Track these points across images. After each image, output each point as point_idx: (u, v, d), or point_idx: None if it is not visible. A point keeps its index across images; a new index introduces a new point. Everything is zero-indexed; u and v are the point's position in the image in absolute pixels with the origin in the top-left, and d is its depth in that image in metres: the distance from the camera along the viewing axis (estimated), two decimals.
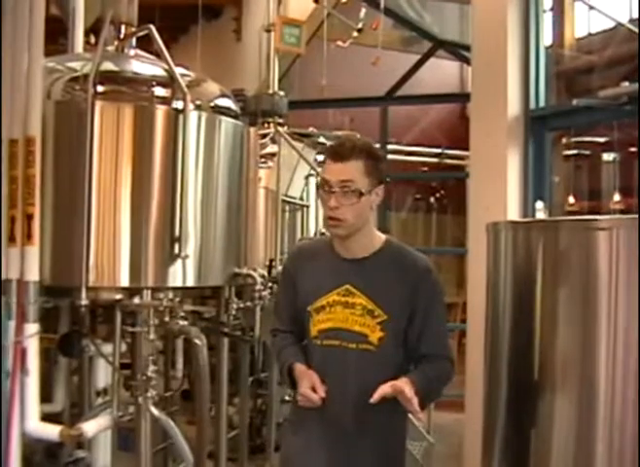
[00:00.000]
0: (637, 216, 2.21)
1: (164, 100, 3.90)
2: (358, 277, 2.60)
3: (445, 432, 6.47)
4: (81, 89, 3.73)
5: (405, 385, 2.42)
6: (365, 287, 2.59)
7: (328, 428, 2.59)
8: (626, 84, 4.43)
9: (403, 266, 2.61)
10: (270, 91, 6.49)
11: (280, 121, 6.45)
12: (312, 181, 7.56)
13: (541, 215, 2.86)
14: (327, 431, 2.61)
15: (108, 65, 3.89)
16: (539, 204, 2.90)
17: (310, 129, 8.10)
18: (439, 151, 12.31)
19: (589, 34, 10.68)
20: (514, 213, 4.91)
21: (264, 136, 6.24)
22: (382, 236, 2.71)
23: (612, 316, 2.28)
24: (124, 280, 3.86)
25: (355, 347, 2.57)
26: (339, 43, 8.49)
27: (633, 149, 9.67)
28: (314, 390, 2.48)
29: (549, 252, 2.37)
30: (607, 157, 9.60)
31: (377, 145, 9.42)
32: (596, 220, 2.39)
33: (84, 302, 3.74)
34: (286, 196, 6.37)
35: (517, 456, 2.55)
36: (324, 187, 2.59)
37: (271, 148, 6.26)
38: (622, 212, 7.93)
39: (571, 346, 2.38)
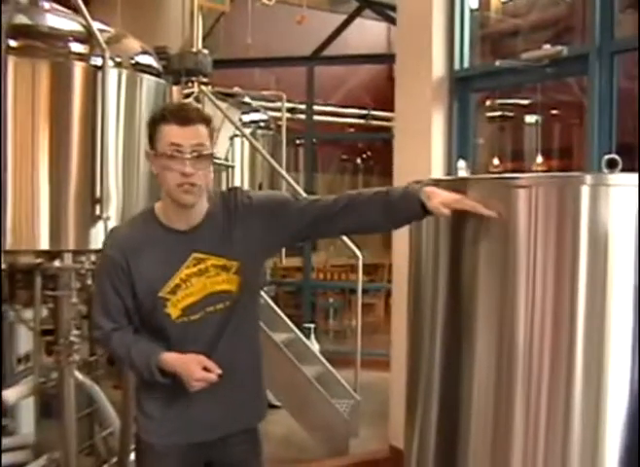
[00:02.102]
0: (554, 174, 2.24)
1: (82, 57, 3.80)
2: (200, 242, 2.53)
3: (372, 390, 6.55)
4: None
5: (454, 197, 2.37)
6: (209, 248, 2.52)
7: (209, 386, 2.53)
8: (548, 46, 4.48)
9: (228, 208, 2.58)
10: (194, 50, 6.38)
11: (204, 80, 6.35)
12: (237, 141, 7.52)
13: (463, 173, 2.88)
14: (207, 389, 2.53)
15: (21, 18, 3.76)
16: (461, 163, 2.92)
17: (235, 89, 8.02)
18: (365, 112, 12.32)
19: None
20: (438, 174, 4.95)
21: (187, 96, 6.14)
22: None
23: (530, 268, 2.32)
24: (44, 243, 3.79)
25: (223, 306, 2.54)
26: (265, 0, 8.38)
27: (555, 111, 9.86)
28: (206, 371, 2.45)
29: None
30: (530, 119, 9.76)
31: (304, 105, 9.49)
32: (516, 178, 2.42)
33: (1, 266, 3.66)
34: None
35: (440, 410, 2.59)
36: (173, 152, 2.39)
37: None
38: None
39: (491, 301, 2.41)
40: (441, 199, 2.36)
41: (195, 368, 2.44)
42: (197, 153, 2.41)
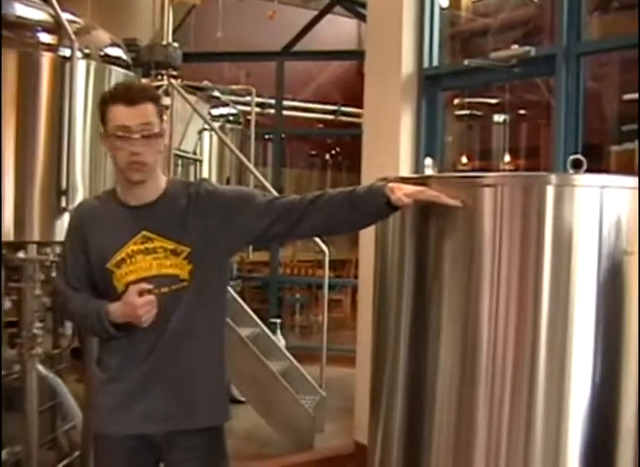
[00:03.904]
0: (520, 174, 2.27)
1: (50, 47, 3.76)
2: (151, 221, 2.54)
3: (337, 386, 6.57)
4: None
5: (415, 188, 2.41)
6: (160, 229, 2.53)
7: (161, 368, 2.54)
8: (516, 46, 4.52)
9: (189, 195, 2.59)
10: (164, 43, 6.35)
11: (174, 73, 6.33)
12: (206, 135, 7.49)
13: (429, 171, 2.90)
14: (160, 371, 2.54)
15: None
16: (427, 161, 2.93)
17: (205, 83, 7.99)
18: (335, 108, 12.33)
19: None
20: (406, 171, 4.97)
21: (157, 88, 6.10)
22: (164, 177, 2.66)
23: (495, 266, 2.35)
24: (8, 234, 3.74)
25: (168, 290, 2.51)
26: None
27: (522, 111, 9.94)
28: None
29: (436, 207, 2.41)
30: (497, 118, 9.83)
31: (273, 100, 9.48)
32: (482, 177, 2.45)
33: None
34: (179, 150, 6.29)
35: (404, 406, 2.61)
36: (121, 133, 2.44)
37: (164, 101, 6.14)
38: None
39: (456, 299, 2.44)
40: (403, 191, 2.39)
41: (133, 298, 2.41)
42: (146, 132, 2.45)
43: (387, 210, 2.45)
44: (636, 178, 2.35)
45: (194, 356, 2.59)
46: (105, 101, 2.50)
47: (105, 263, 2.52)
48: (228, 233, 2.59)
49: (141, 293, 2.42)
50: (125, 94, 2.48)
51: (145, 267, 2.51)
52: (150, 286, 2.43)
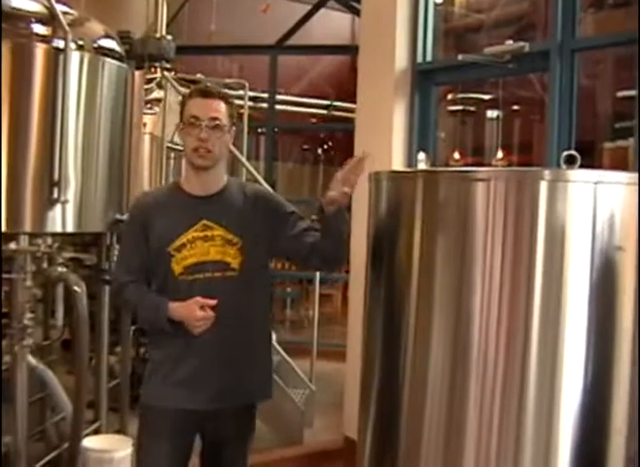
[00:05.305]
0: (513, 169, 2.27)
1: (44, 38, 3.74)
2: (212, 211, 2.83)
3: (327, 381, 6.57)
4: None
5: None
6: (219, 219, 2.82)
7: (209, 352, 2.80)
8: (510, 42, 4.52)
9: (244, 193, 2.93)
10: (158, 35, 6.33)
11: (167, 66, 6.31)
12: None
13: (422, 166, 2.91)
14: (208, 355, 2.80)
15: None
16: (420, 155, 2.95)
17: (198, 76, 7.97)
18: (327, 103, 12.33)
19: None
20: (398, 166, 4.97)
21: (150, 81, 6.09)
22: (225, 175, 2.98)
23: (487, 262, 2.35)
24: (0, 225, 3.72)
25: (220, 276, 2.80)
26: None
27: (516, 107, 9.95)
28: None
29: (428, 202, 2.41)
30: (491, 114, 9.84)
31: (266, 94, 9.46)
32: (475, 171, 2.45)
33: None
34: (171, 142, 6.26)
35: (393, 402, 2.61)
36: (192, 122, 2.79)
37: (157, 93, 6.13)
38: None
39: (447, 293, 2.44)
40: (328, 199, 2.76)
41: (194, 308, 2.71)
42: (212, 123, 2.78)
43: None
44: (629, 174, 2.36)
45: (247, 336, 2.87)
46: (184, 99, 2.90)
47: (166, 246, 2.81)
48: (273, 240, 2.89)
49: (203, 306, 2.71)
50: (201, 90, 2.88)
51: (203, 252, 2.80)
52: (214, 302, 2.71)
